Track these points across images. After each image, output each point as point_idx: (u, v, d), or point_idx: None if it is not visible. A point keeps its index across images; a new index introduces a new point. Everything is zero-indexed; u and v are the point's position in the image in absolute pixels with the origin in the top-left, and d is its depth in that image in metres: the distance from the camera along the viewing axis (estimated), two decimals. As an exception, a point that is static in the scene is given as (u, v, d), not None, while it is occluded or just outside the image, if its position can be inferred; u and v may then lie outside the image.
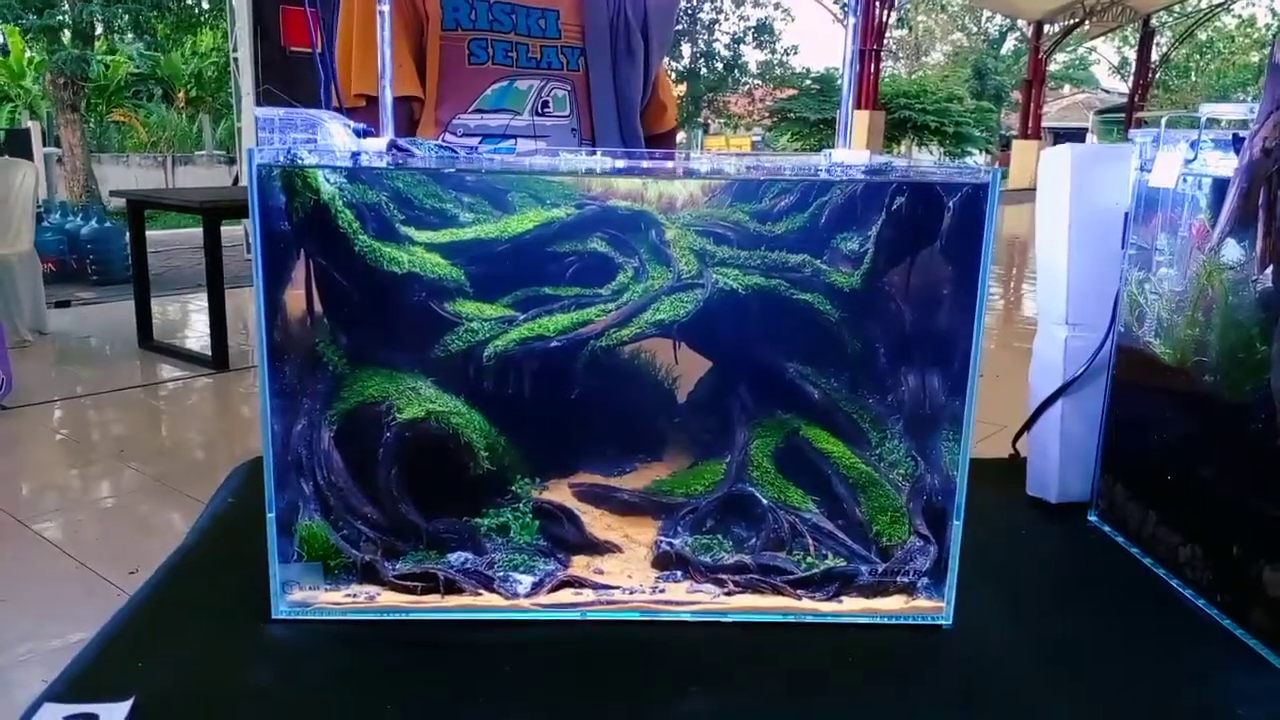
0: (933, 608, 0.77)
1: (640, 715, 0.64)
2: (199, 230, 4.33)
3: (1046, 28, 20.20)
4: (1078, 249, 0.95)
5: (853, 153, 0.91)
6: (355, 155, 0.83)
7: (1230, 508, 0.76)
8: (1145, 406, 0.89)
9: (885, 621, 0.76)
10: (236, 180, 9.16)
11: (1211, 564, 0.78)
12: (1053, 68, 26.31)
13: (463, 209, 0.80)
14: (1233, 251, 0.77)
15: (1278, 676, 0.69)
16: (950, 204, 0.75)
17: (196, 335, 5.01)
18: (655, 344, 0.84)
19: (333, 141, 0.83)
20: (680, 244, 0.83)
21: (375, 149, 0.86)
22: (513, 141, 1.50)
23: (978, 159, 13.97)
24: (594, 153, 0.97)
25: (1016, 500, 1.01)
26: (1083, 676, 0.70)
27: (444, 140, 1.45)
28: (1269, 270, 0.71)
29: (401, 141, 0.91)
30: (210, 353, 4.36)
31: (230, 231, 4.66)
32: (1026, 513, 0.99)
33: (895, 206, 0.79)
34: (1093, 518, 0.95)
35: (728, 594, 0.77)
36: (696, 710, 0.65)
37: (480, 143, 1.48)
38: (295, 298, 0.77)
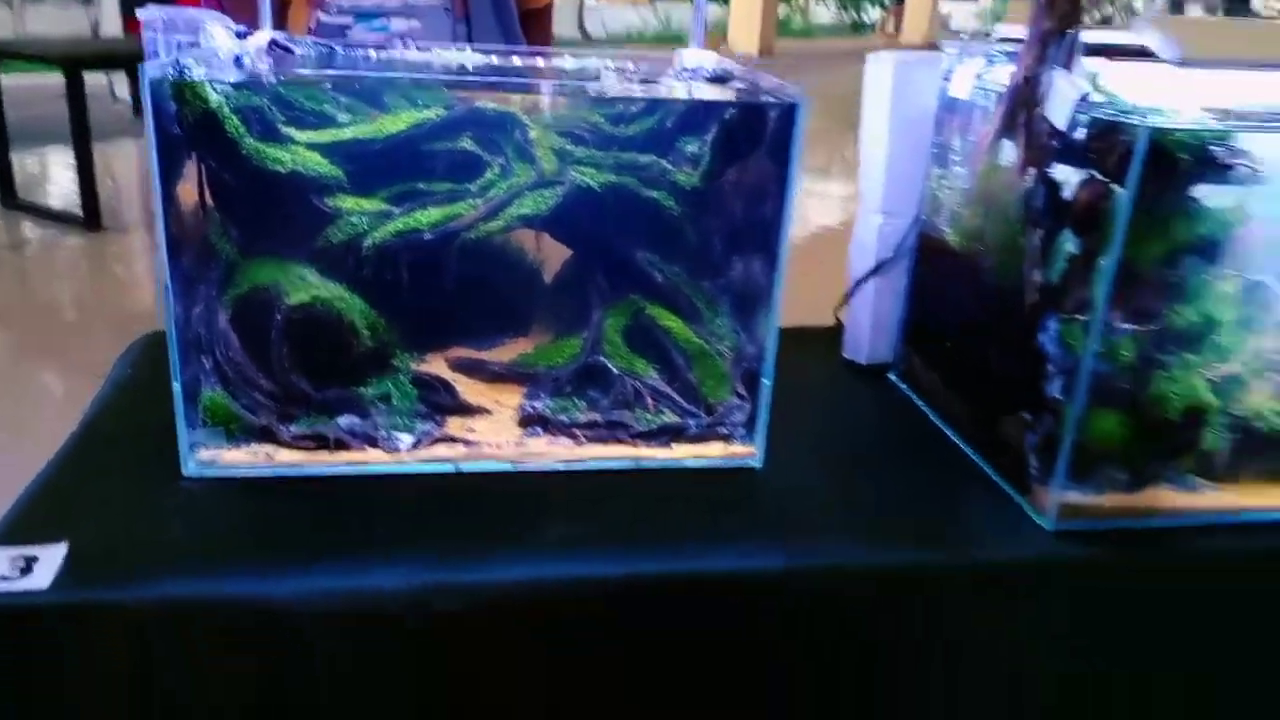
0: (746, 453, 0.93)
1: (502, 545, 0.78)
2: (58, 77, 4.11)
3: (941, -124, 19.88)
4: (894, 146, 1.09)
5: (701, 54, 1.02)
6: (238, 58, 0.90)
7: (989, 371, 0.94)
8: (937, 285, 1.05)
9: (709, 465, 0.92)
10: (95, 29, 8.57)
11: (975, 417, 0.96)
12: (946, -82, 26.00)
13: (340, 109, 0.88)
14: (1009, 154, 0.92)
15: (1013, 506, 0.88)
16: (770, 118, 0.88)
17: (63, 192, 4.81)
18: (523, 232, 0.96)
19: (215, 44, 0.90)
20: (543, 144, 0.93)
21: (257, 46, 0.93)
22: (385, 20, 1.54)
23: (873, 13, 14.00)
24: (464, 46, 1.06)
25: (835, 362, 1.17)
26: (864, 508, 0.88)
27: (317, 20, 1.48)
28: (1028, 175, 0.86)
29: (280, 38, 0.98)
30: (81, 211, 4.22)
31: (92, 79, 4.42)
32: (841, 373, 1.15)
33: (727, 117, 0.91)
34: (893, 377, 1.12)
35: (580, 446, 0.91)
36: (550, 538, 0.79)
37: (354, 22, 1.51)
38: (189, 192, 0.85)
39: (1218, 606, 0.83)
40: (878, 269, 1.11)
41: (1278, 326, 0.90)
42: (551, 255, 0.99)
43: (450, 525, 0.80)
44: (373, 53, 1.02)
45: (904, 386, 1.10)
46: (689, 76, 1.00)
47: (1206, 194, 0.81)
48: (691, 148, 0.94)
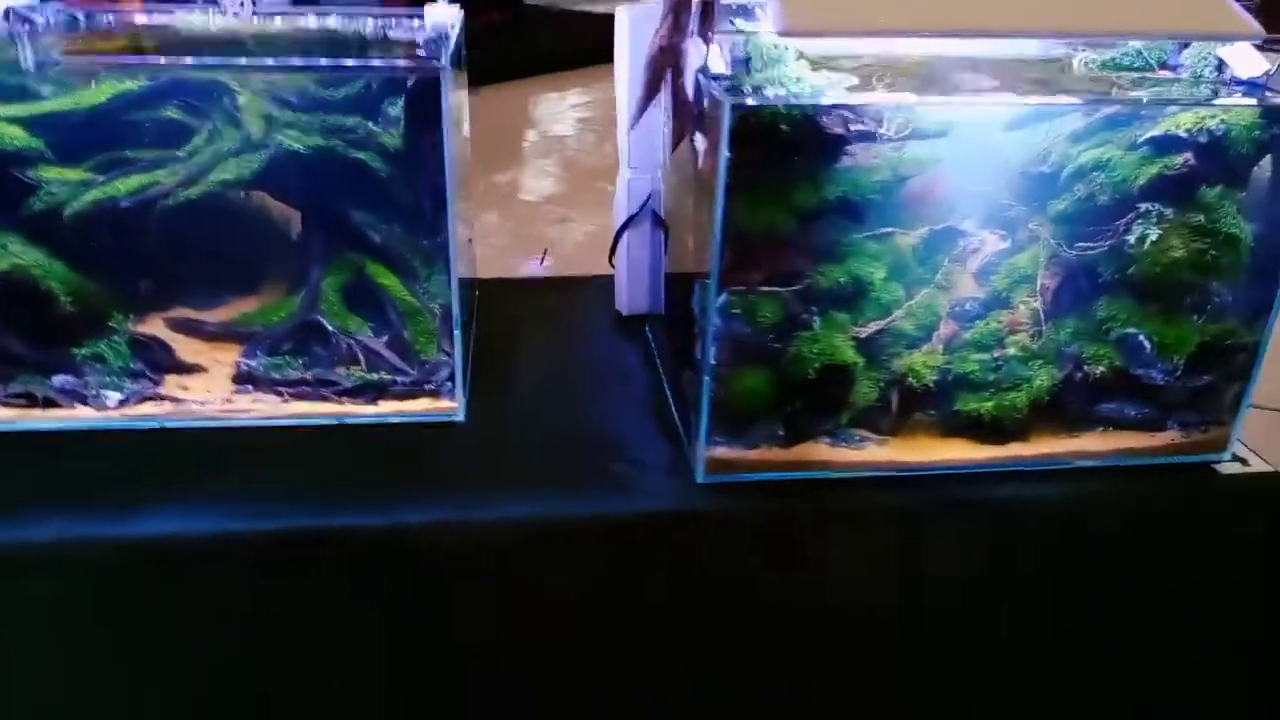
0: (449, 407, 0.97)
1: (156, 501, 0.83)
2: None
3: None
4: (636, 102, 1.10)
5: (441, 10, 1.04)
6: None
7: (681, 325, 0.97)
8: (672, 240, 1.08)
9: (414, 420, 0.96)
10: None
11: (672, 373, 1.00)
12: None
13: (44, 82, 0.92)
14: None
15: (680, 444, 0.92)
16: (413, 87, 0.90)
17: None
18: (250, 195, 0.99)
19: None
20: (251, 109, 0.96)
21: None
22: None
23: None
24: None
25: (607, 313, 1.20)
26: (549, 462, 0.92)
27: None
28: (684, 143, 0.88)
29: (18, 8, 1.01)
30: None
31: None
32: (606, 324, 1.18)
33: (409, 82, 0.93)
34: (647, 330, 1.15)
35: (285, 403, 0.96)
36: (208, 494, 0.84)
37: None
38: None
39: (861, 556, 0.87)
40: (626, 225, 1.14)
41: (965, 276, 0.92)
42: (278, 214, 1.02)
43: (129, 480, 0.86)
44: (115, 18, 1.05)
45: (652, 339, 1.13)
46: (419, 35, 1.02)
47: (862, 154, 0.83)
48: (394, 109, 0.96)
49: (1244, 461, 0.92)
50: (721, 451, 0.87)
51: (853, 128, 0.79)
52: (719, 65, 0.79)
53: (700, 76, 0.80)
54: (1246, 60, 0.88)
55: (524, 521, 0.84)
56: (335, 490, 0.86)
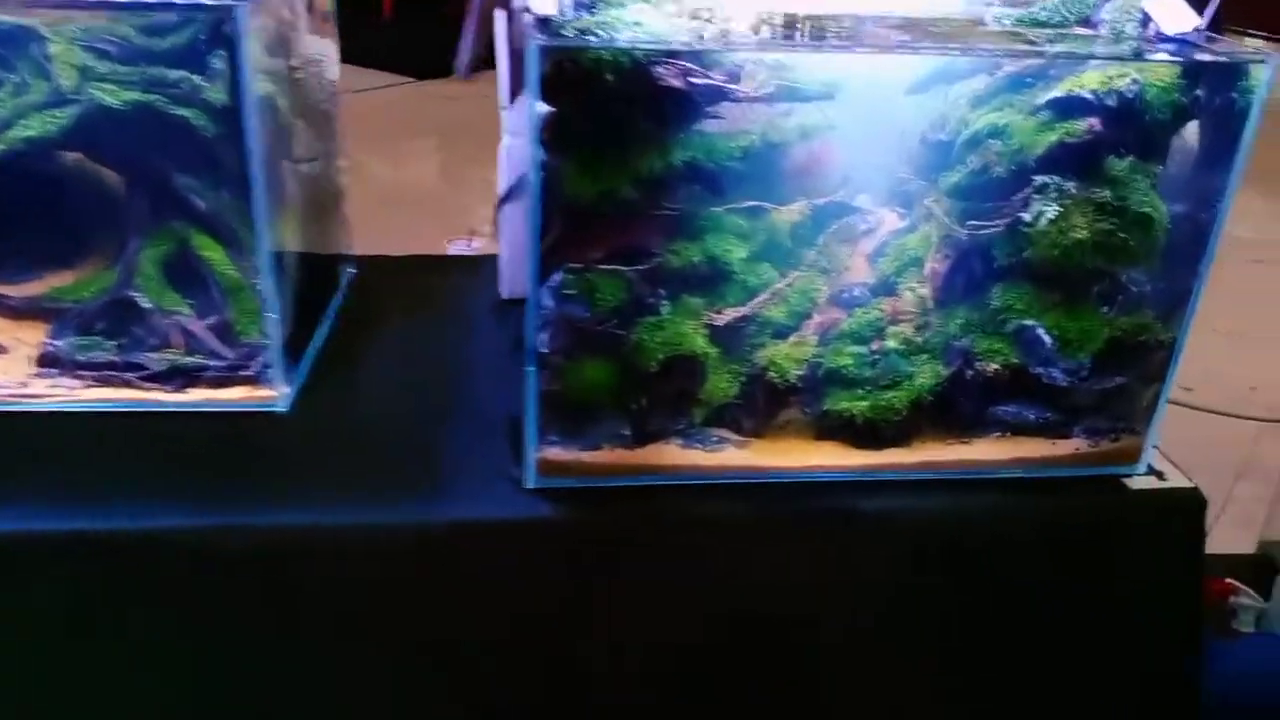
0: (269, 396, 0.87)
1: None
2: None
3: None
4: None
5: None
6: None
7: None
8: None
9: (232, 409, 0.86)
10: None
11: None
12: None
13: None
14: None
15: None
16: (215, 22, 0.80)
17: None
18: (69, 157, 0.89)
19: None
20: (64, 59, 0.86)
21: None
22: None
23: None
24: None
25: (492, 295, 1.09)
26: (373, 461, 0.81)
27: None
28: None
29: None
30: None
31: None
32: (486, 307, 1.07)
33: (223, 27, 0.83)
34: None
35: (86, 387, 0.86)
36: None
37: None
38: None
39: (711, 572, 0.77)
40: (505, 199, 1.03)
41: (856, 258, 0.82)
42: (106, 180, 0.92)
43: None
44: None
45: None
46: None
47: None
48: (218, 62, 0.86)
49: (1160, 475, 0.81)
50: (555, 453, 0.77)
51: (696, 81, 0.68)
52: (547, 5, 0.69)
53: (525, 16, 0.69)
54: (1173, 14, 0.77)
55: (320, 529, 0.74)
56: (119, 488, 0.76)
